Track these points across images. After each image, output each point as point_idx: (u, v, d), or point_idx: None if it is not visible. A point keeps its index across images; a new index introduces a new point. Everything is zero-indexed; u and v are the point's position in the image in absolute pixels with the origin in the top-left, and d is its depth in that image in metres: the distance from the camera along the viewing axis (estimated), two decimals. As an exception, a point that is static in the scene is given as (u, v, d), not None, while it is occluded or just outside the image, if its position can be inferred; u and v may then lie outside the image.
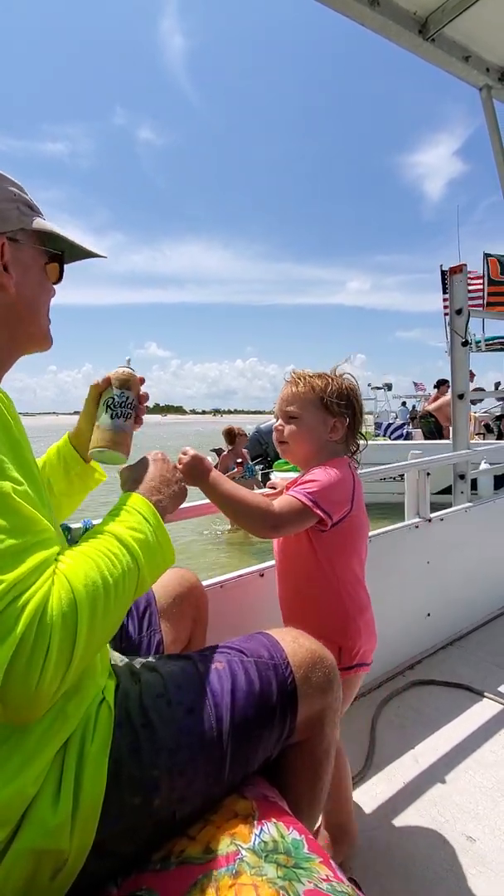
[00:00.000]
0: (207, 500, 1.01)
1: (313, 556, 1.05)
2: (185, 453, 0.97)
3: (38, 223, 0.74)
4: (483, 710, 1.68)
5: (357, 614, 1.06)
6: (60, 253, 0.79)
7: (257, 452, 7.99)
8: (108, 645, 0.75)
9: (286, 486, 1.15)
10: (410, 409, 14.36)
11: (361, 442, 1.14)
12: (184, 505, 0.96)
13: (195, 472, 0.96)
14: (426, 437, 8.65)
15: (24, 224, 0.72)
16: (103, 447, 0.87)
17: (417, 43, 2.19)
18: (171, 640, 1.06)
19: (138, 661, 0.81)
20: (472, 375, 2.65)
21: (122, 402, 0.91)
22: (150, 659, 0.83)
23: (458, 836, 1.21)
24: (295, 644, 0.83)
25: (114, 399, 0.91)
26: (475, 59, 2.38)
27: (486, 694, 1.75)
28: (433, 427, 8.56)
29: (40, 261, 0.76)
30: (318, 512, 0.95)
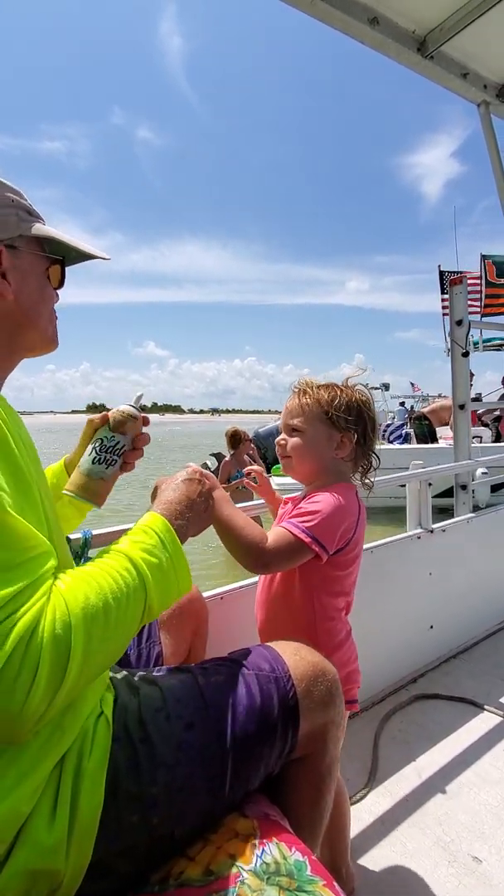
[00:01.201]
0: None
1: (295, 585, 0.99)
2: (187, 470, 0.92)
3: (38, 229, 0.73)
4: (488, 725, 1.65)
5: (331, 651, 0.95)
6: (61, 258, 0.79)
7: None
8: None
9: (285, 501, 1.12)
10: (409, 409, 14.40)
11: (374, 461, 1.06)
12: None
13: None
14: (418, 440, 8.66)
15: (22, 230, 0.71)
16: (74, 492, 0.83)
17: (416, 60, 2.22)
18: (171, 653, 1.05)
19: (137, 674, 0.79)
20: (470, 375, 2.66)
21: (110, 446, 0.86)
22: (149, 672, 0.81)
23: (463, 856, 1.18)
24: (296, 657, 0.81)
25: (102, 441, 0.86)
26: (473, 75, 2.41)
27: (490, 708, 1.72)
28: (426, 430, 8.57)
29: (40, 266, 0.75)
30: (316, 548, 0.88)
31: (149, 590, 0.62)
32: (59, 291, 0.81)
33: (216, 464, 5.65)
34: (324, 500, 0.92)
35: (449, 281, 2.48)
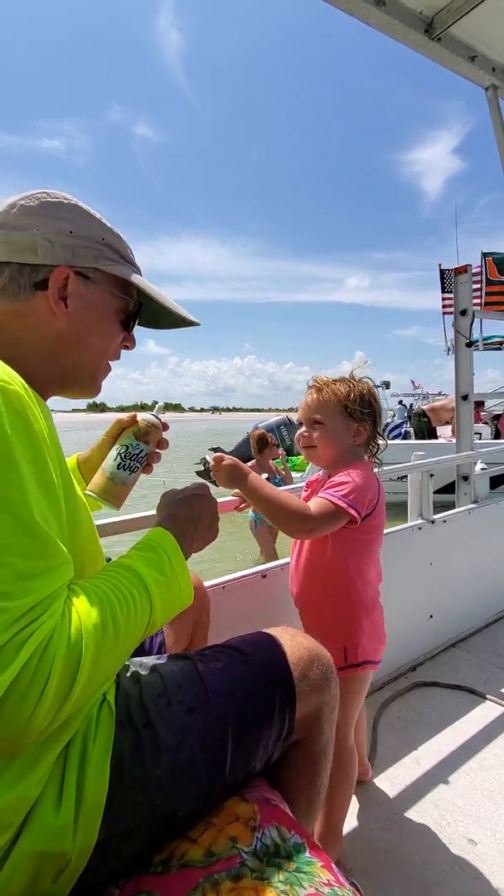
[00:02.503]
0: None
1: (329, 552, 1.10)
2: (221, 459, 1.03)
3: (117, 270, 0.75)
4: (485, 713, 1.67)
5: (363, 614, 1.11)
6: (137, 304, 0.80)
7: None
8: None
9: (307, 485, 1.24)
10: (408, 407, 14.34)
11: (381, 442, 1.19)
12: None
13: (234, 476, 1.01)
14: (417, 437, 8.63)
15: (100, 265, 0.73)
16: (97, 494, 0.86)
17: (423, 42, 2.17)
18: (173, 642, 1.06)
19: (138, 662, 0.81)
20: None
21: (135, 453, 0.90)
22: (150, 659, 0.83)
23: (459, 839, 1.20)
24: (293, 642, 0.84)
25: (128, 448, 0.90)
26: (481, 58, 2.36)
27: (488, 696, 1.75)
28: (425, 427, 8.54)
29: (111, 306, 0.77)
30: (353, 512, 1.00)
31: (154, 607, 0.63)
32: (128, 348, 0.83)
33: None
34: (353, 474, 1.05)
35: (453, 270, 2.45)
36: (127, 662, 0.81)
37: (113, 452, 0.90)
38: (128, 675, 0.75)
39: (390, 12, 2.01)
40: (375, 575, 1.17)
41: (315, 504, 1.01)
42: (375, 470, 1.19)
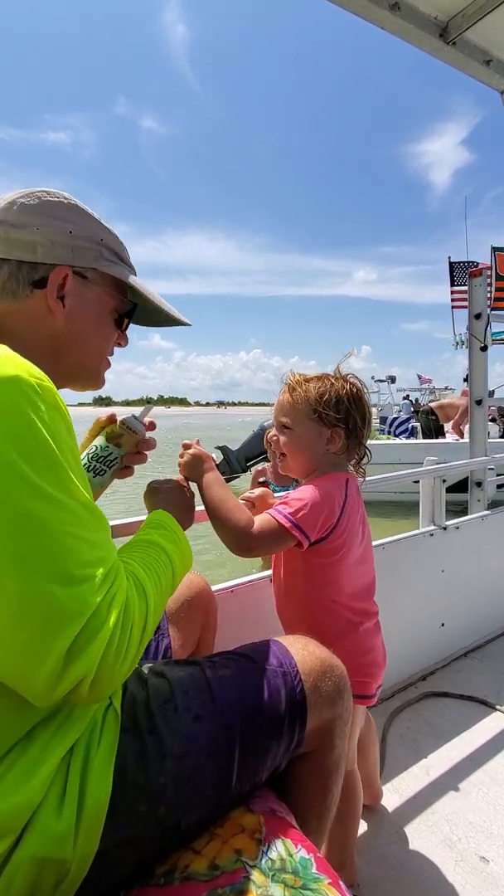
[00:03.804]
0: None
1: (298, 573, 1.02)
2: (186, 447, 0.99)
3: (113, 269, 0.77)
4: (497, 724, 1.63)
5: (335, 639, 0.94)
6: (131, 304, 0.83)
7: (261, 450, 7.93)
8: None
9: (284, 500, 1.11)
10: (414, 402, 14.22)
11: (370, 447, 1.07)
12: None
13: (192, 466, 0.97)
14: (424, 435, 8.55)
15: (98, 265, 0.75)
16: None
17: (438, 47, 2.16)
18: (180, 645, 1.05)
19: (146, 666, 0.80)
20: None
21: (102, 455, 0.86)
22: (158, 664, 0.82)
23: (470, 856, 1.17)
24: (304, 651, 0.82)
25: (96, 450, 0.86)
26: (496, 62, 2.34)
27: (500, 707, 1.71)
28: (432, 425, 8.45)
29: (107, 304, 0.79)
30: (297, 534, 0.91)
31: (175, 572, 0.73)
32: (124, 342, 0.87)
33: (220, 457, 5.42)
34: (307, 489, 0.95)
35: (468, 273, 2.42)
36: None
37: (86, 451, 0.87)
38: (135, 679, 0.74)
39: (405, 17, 2.00)
40: (355, 593, 1.03)
41: (259, 521, 0.92)
42: (361, 480, 1.08)
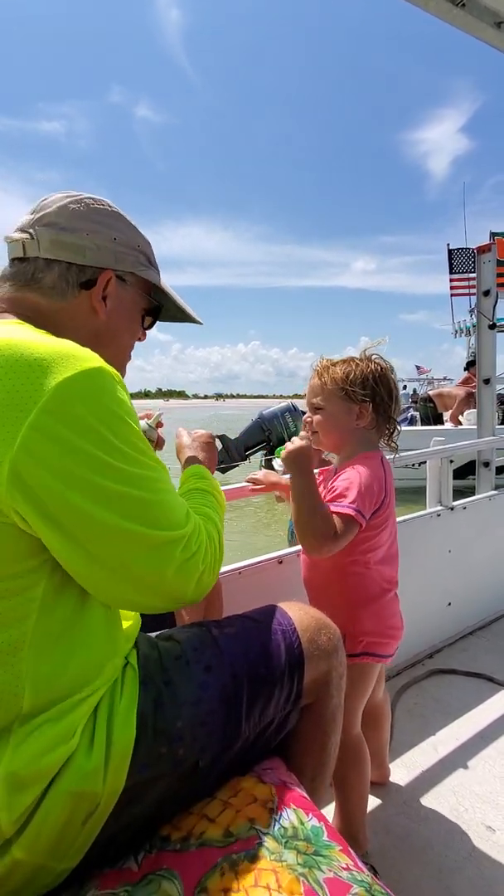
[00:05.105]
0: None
1: None
2: (292, 441, 1.06)
3: (149, 275, 0.85)
4: (503, 700, 1.66)
5: (361, 604, 1.08)
6: (159, 306, 0.91)
7: (260, 439, 7.93)
8: (137, 615, 0.83)
9: (320, 473, 1.19)
10: (411, 392, 14.14)
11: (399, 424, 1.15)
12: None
13: (300, 461, 1.02)
14: (423, 423, 8.54)
15: (136, 270, 0.83)
16: None
17: (447, 9, 2.07)
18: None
19: (154, 634, 0.86)
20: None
21: None
22: (165, 632, 0.87)
23: (477, 826, 1.20)
24: (301, 612, 0.90)
25: None
26: (508, 25, 2.25)
27: (507, 684, 1.73)
28: (430, 412, 8.42)
29: (139, 305, 0.87)
30: (361, 520, 0.98)
31: (220, 508, 0.88)
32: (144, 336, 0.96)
33: (220, 446, 5.51)
34: (352, 476, 1.02)
35: (476, 248, 2.37)
36: (143, 635, 0.85)
37: None
38: (146, 643, 0.79)
39: (413, -22, 1.93)
40: (385, 559, 1.12)
41: (337, 525, 0.98)
42: (390, 457, 1.15)
